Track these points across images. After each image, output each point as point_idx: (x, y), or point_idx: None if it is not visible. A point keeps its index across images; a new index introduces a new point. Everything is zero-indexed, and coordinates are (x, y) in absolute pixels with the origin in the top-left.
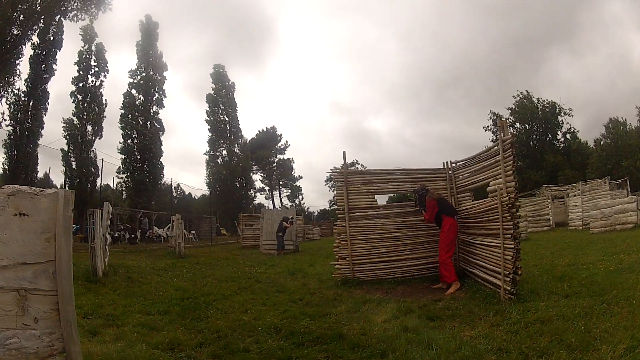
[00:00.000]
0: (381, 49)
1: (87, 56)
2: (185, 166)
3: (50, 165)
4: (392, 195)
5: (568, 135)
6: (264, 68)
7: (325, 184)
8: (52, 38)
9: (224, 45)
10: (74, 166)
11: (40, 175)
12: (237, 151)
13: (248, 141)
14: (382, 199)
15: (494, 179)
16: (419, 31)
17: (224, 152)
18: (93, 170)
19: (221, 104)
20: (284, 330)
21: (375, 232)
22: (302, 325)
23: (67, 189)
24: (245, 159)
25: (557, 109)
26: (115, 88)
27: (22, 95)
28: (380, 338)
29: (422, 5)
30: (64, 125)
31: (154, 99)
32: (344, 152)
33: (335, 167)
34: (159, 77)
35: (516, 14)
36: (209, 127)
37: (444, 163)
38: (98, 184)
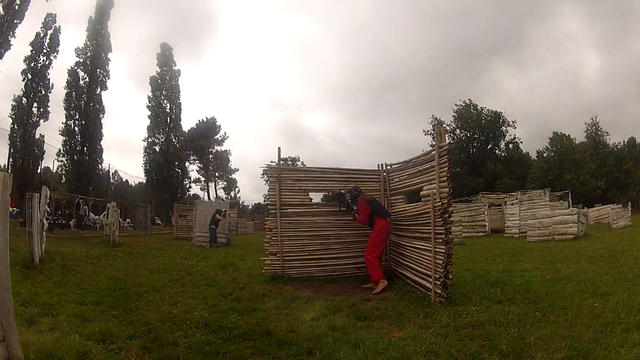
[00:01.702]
0: (320, 47)
1: (43, 37)
2: (122, 153)
3: None
4: (326, 193)
5: (510, 145)
6: (203, 58)
7: (262, 177)
8: (16, 8)
9: (166, 33)
10: (18, 146)
11: None
12: (174, 141)
13: (187, 130)
14: (317, 198)
15: (428, 184)
16: (359, 33)
17: (162, 139)
18: (37, 152)
19: (164, 90)
20: (212, 324)
21: (306, 229)
22: (231, 320)
23: (9, 171)
24: (181, 149)
25: (501, 120)
26: (63, 70)
27: None
28: (308, 336)
29: (364, 7)
30: (14, 104)
31: (98, 80)
32: (279, 148)
33: (272, 162)
34: (104, 57)
35: (460, 23)
36: (149, 112)
37: (378, 165)
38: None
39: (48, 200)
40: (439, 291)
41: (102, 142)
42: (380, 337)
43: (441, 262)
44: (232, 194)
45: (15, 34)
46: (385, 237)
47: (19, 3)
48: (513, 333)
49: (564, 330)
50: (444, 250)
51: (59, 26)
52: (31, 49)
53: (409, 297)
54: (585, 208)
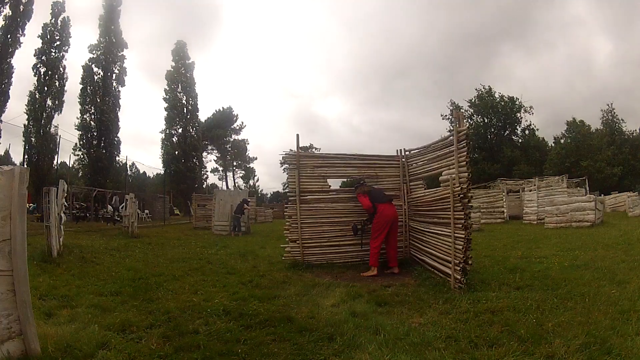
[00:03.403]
0: (328, 36)
1: (52, 29)
2: (137, 145)
3: (10, 142)
4: (345, 180)
5: (527, 132)
6: (211, 50)
7: (280, 166)
8: (22, 9)
9: (174, 27)
10: (33, 142)
11: (0, 152)
12: (192, 131)
13: (204, 120)
14: (336, 184)
15: (447, 169)
16: (365, 21)
17: (180, 130)
18: (52, 147)
19: (180, 83)
20: (233, 312)
21: (326, 215)
22: (251, 307)
23: (24, 166)
24: (198, 139)
25: (517, 105)
26: (75, 66)
27: None
28: (328, 322)
29: None
30: (29, 98)
31: (113, 76)
32: (297, 135)
33: (291, 150)
34: (119, 54)
35: (466, 8)
36: (166, 105)
37: (397, 150)
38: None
39: (65, 194)
40: (459, 277)
41: (118, 135)
42: (401, 323)
43: (461, 247)
44: (251, 182)
45: (24, 32)
46: (384, 221)
47: (25, 1)
48: (532, 319)
49: (581, 317)
50: (463, 236)
51: (68, 16)
52: (41, 41)
53: (429, 282)
54: (602, 195)
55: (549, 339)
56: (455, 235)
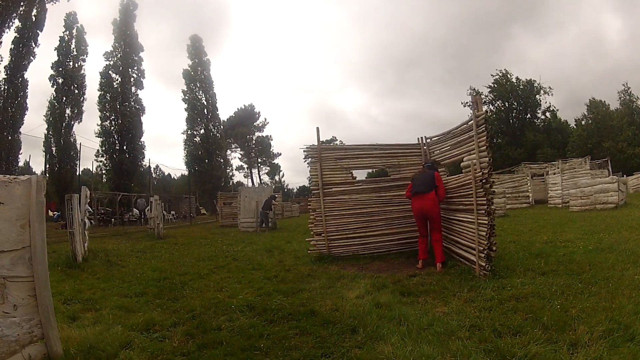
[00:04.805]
0: (339, 29)
1: (68, 40)
2: (159, 148)
3: (31, 153)
4: (371, 171)
5: (547, 114)
6: (223, 50)
7: (305, 161)
8: (34, 19)
9: (185, 30)
10: (54, 152)
11: (20, 163)
12: (213, 130)
13: (226, 119)
14: (361, 175)
15: (468, 155)
16: (373, 12)
17: (202, 130)
18: (74, 154)
19: (198, 82)
20: (257, 307)
21: (350, 207)
22: (275, 302)
23: (46, 175)
24: (221, 138)
25: (537, 88)
26: (92, 74)
27: (3, 83)
28: (352, 314)
29: None
30: (48, 108)
31: (131, 80)
32: (317, 128)
33: (313, 145)
34: (135, 58)
35: None
36: (186, 105)
37: (418, 138)
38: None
39: (89, 200)
40: (483, 264)
41: (142, 139)
42: (425, 313)
43: (484, 233)
44: (277, 178)
45: (38, 44)
46: (414, 212)
47: (35, 13)
48: (556, 305)
49: (605, 302)
50: (486, 222)
51: (82, 25)
52: (57, 53)
53: (454, 271)
54: (625, 176)
55: (573, 325)
56: (479, 221)
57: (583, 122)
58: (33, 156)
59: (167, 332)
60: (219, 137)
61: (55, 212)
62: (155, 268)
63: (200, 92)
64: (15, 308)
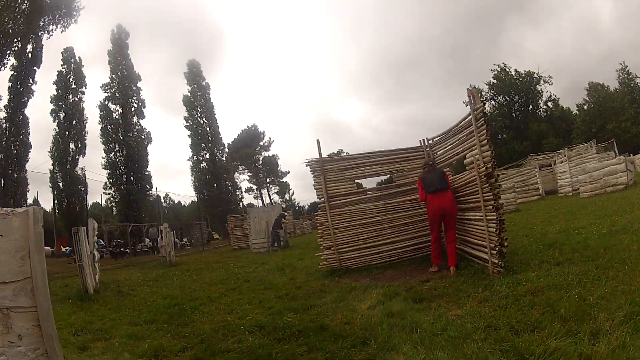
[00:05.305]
0: (332, 40)
1: (66, 74)
2: (169, 176)
3: (38, 190)
4: (380, 180)
5: (549, 103)
6: (220, 73)
7: (312, 174)
8: (29, 56)
9: (181, 57)
10: (61, 187)
11: (29, 200)
12: (219, 154)
13: (231, 142)
14: (370, 185)
15: (470, 151)
16: (365, 19)
17: (207, 155)
18: (82, 189)
19: (199, 107)
20: (267, 327)
21: (357, 218)
22: (285, 320)
23: (56, 212)
24: (227, 162)
25: (536, 78)
26: (90, 105)
27: (4, 121)
28: (363, 326)
29: None
30: (52, 144)
31: (132, 110)
32: (318, 141)
33: (315, 158)
34: (134, 87)
35: None
36: (189, 132)
37: (420, 140)
38: (88, 202)
39: (97, 232)
40: (496, 261)
41: (148, 168)
42: (438, 318)
43: (494, 229)
44: (287, 196)
45: (35, 81)
46: (431, 213)
47: (31, 49)
48: (574, 295)
49: (624, 285)
50: (495, 217)
51: (79, 58)
52: (55, 87)
53: (467, 271)
54: (631, 155)
55: (593, 314)
56: (487, 217)
57: (585, 107)
58: (41, 193)
59: (175, 357)
60: (224, 160)
61: (67, 248)
62: (166, 295)
63: (202, 117)
64: (20, 338)
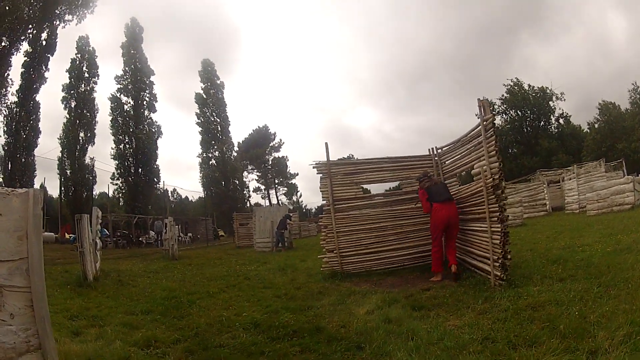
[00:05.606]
0: (345, 48)
1: (80, 63)
2: (177, 171)
3: (45, 176)
4: (389, 187)
5: (561, 120)
6: (234, 72)
7: (320, 177)
8: (44, 43)
9: (196, 56)
10: (69, 174)
11: (36, 185)
12: (229, 153)
13: (242, 141)
14: (378, 191)
15: (478, 161)
16: (377, 29)
17: (217, 153)
18: (90, 177)
19: (211, 105)
20: (262, 325)
21: (361, 223)
22: (282, 319)
23: (62, 199)
24: (236, 161)
25: (549, 94)
26: (102, 96)
27: (14, 106)
28: (360, 330)
29: (375, 2)
30: (62, 131)
31: (144, 104)
32: (326, 144)
33: (322, 161)
34: (147, 81)
35: (476, 3)
36: (200, 129)
37: (429, 149)
38: (95, 192)
39: (100, 221)
40: (499, 273)
41: (157, 162)
42: (436, 327)
43: (498, 241)
44: (294, 198)
45: (48, 68)
46: (438, 221)
47: (46, 37)
48: (574, 312)
49: (625, 304)
50: (499, 229)
51: (93, 48)
52: (68, 75)
53: (469, 282)
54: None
55: (593, 332)
56: (492, 229)
57: (596, 126)
58: (48, 179)
59: (167, 348)
60: (233, 159)
61: (71, 235)
62: (165, 287)
63: (214, 115)
64: (12, 317)
